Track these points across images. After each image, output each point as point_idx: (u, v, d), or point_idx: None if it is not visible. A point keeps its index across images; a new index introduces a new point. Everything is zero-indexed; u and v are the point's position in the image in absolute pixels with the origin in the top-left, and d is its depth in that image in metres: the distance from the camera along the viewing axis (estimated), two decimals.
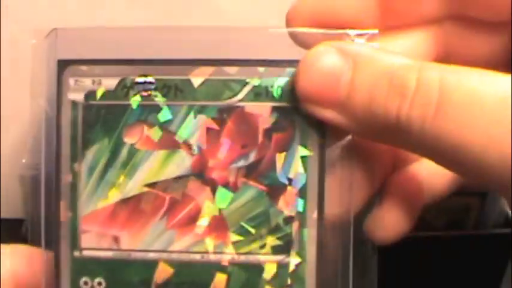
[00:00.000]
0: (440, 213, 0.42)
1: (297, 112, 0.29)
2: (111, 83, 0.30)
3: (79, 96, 0.30)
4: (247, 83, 0.29)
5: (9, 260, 0.30)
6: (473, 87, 0.25)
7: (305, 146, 0.29)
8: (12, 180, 0.40)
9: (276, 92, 0.29)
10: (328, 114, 0.27)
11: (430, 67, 0.26)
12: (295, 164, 0.29)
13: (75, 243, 0.30)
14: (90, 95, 0.30)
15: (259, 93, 0.29)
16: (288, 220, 0.29)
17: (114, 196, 0.30)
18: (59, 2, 0.41)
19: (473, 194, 0.42)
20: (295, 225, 0.29)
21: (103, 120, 0.30)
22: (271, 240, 0.29)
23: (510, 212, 0.44)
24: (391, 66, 0.26)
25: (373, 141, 0.29)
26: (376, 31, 0.29)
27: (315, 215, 0.29)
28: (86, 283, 0.30)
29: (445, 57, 0.30)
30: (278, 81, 0.29)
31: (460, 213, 0.43)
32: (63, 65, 0.30)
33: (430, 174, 0.32)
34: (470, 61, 0.27)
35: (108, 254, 0.30)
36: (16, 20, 0.46)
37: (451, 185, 0.32)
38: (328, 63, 0.27)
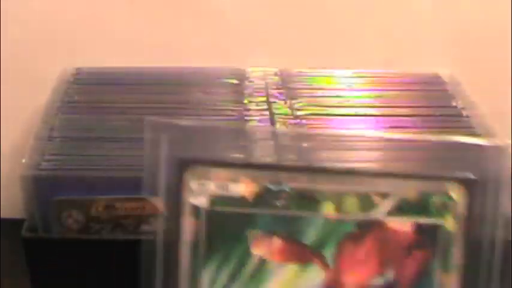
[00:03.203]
0: None
1: (439, 230, 0.27)
2: (238, 188, 0.27)
3: (202, 201, 0.27)
4: (390, 196, 0.27)
5: None
6: None
7: (446, 268, 0.27)
8: (12, 180, 0.37)
9: (420, 207, 0.27)
10: None
11: None
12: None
13: None
14: (215, 200, 0.27)
15: (402, 208, 0.27)
16: None
17: None
18: None
19: None
20: None
21: (229, 228, 0.27)
22: None
23: (510, 211, 0.43)
24: None
25: None
26: (509, 142, 0.27)
27: None
28: None
29: None
30: (423, 196, 0.27)
31: None
32: (184, 165, 0.27)
33: None
34: None
35: None
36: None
37: None
38: None
